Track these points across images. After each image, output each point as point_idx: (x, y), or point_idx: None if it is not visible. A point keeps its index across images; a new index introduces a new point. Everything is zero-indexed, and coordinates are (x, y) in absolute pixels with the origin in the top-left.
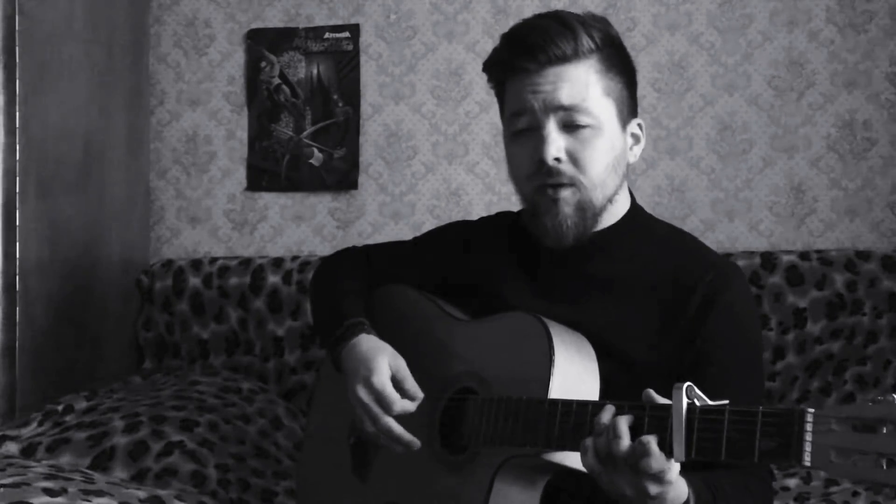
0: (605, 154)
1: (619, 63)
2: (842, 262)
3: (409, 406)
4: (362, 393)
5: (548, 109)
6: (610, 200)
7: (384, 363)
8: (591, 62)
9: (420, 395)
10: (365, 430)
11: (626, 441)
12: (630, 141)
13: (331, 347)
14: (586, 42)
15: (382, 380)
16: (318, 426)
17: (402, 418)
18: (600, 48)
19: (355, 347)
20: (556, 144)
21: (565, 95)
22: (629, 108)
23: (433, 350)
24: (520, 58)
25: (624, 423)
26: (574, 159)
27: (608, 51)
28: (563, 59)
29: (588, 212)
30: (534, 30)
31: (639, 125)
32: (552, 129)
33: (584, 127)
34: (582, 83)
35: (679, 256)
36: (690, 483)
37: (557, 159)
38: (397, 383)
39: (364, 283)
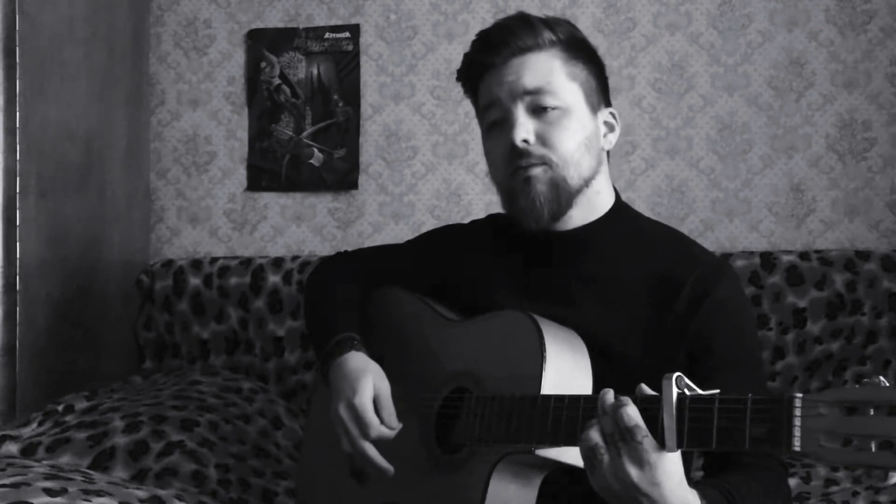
0: (576, 133)
1: (583, 56)
2: (841, 262)
3: (386, 433)
4: (343, 412)
5: (514, 96)
6: (587, 184)
7: (369, 385)
8: (554, 51)
9: (397, 425)
10: (342, 449)
11: (633, 408)
12: (603, 129)
13: (321, 361)
14: (547, 35)
15: (364, 402)
16: (316, 428)
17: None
18: (562, 41)
19: (343, 365)
20: (525, 127)
21: (528, 80)
22: (598, 96)
23: (427, 351)
24: (485, 55)
25: (627, 398)
26: (543, 140)
27: (571, 44)
28: (525, 50)
29: (561, 188)
30: (496, 28)
31: (612, 114)
32: (520, 113)
33: (551, 108)
34: (545, 68)
35: (668, 253)
36: (703, 494)
37: (526, 141)
38: (377, 408)
39: (357, 290)
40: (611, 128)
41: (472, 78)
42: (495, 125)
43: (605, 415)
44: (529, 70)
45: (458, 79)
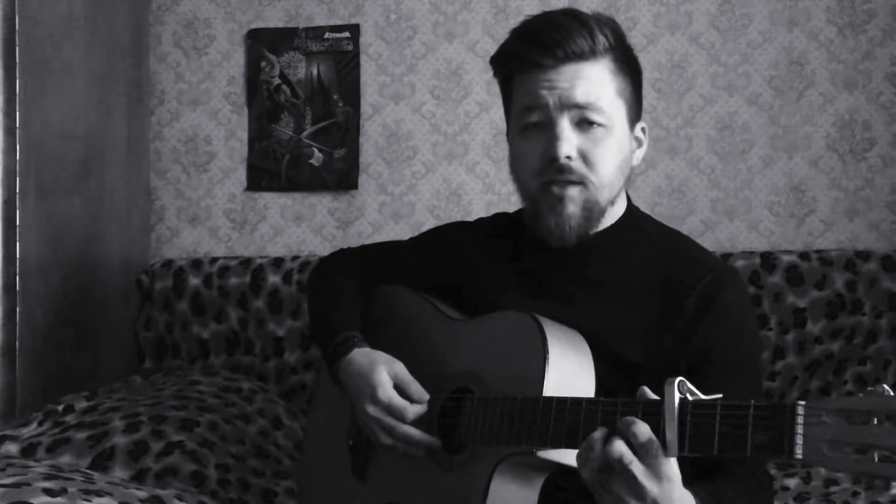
0: (615, 154)
1: (628, 65)
2: (842, 262)
3: (420, 409)
4: (371, 410)
5: (562, 106)
6: (612, 202)
7: (383, 375)
8: (606, 61)
9: (426, 395)
10: (382, 444)
11: (643, 424)
12: (634, 144)
13: (327, 363)
14: (602, 41)
15: (387, 392)
16: (318, 427)
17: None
18: (613, 47)
19: (351, 365)
20: (570, 142)
21: (581, 93)
22: (635, 111)
23: (430, 350)
24: (535, 53)
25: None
26: (585, 158)
27: (619, 51)
28: (581, 57)
29: (593, 211)
30: (549, 25)
31: (642, 129)
32: (566, 126)
33: (597, 126)
34: (597, 82)
35: (675, 258)
36: (696, 496)
37: (569, 157)
38: (401, 390)
39: (359, 286)
40: (639, 143)
41: (512, 69)
42: (533, 128)
43: (592, 451)
44: (583, 81)
45: (492, 63)
